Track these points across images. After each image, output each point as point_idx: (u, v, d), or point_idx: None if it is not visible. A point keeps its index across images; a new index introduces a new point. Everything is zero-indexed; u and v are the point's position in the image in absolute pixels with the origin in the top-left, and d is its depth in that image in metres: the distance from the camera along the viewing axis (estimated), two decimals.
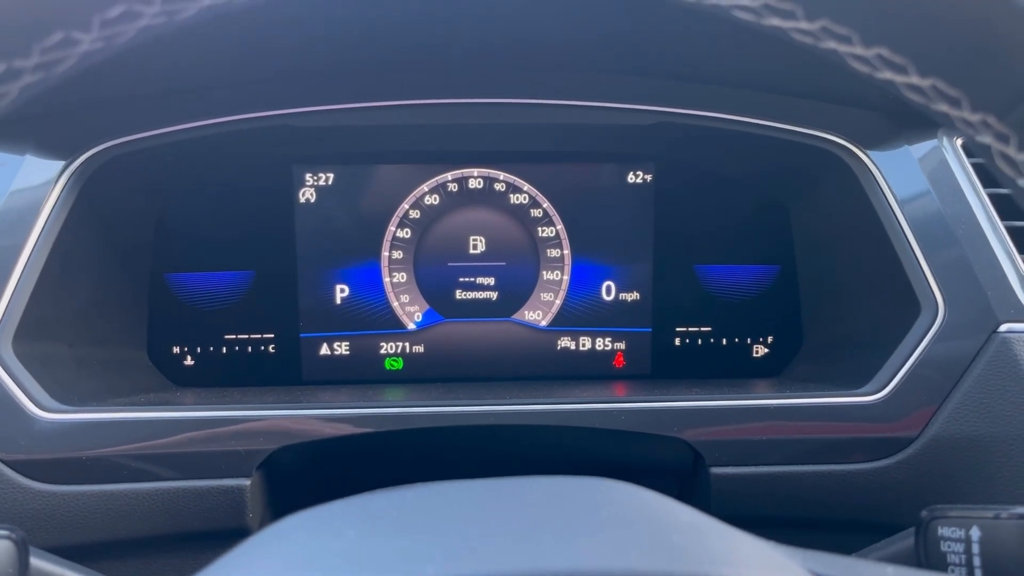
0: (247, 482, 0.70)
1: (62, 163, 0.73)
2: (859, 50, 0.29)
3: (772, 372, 0.89)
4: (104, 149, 0.74)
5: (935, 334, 0.70)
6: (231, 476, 0.70)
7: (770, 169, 0.85)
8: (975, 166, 0.76)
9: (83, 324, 0.77)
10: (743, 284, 0.90)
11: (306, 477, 0.76)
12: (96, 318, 0.79)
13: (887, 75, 0.30)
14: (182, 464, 0.69)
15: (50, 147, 0.73)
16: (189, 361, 0.88)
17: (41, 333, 0.71)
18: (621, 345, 0.90)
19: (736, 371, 0.90)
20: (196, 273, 0.87)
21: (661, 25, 0.69)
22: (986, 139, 0.30)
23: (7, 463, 0.66)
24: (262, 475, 0.71)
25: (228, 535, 0.70)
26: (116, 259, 0.81)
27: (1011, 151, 0.30)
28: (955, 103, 0.30)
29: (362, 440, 0.71)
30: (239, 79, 0.78)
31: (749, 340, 0.90)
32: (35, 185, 0.72)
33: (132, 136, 0.75)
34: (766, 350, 0.90)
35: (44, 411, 0.67)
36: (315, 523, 0.38)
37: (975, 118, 0.30)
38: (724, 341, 0.90)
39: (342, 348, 0.89)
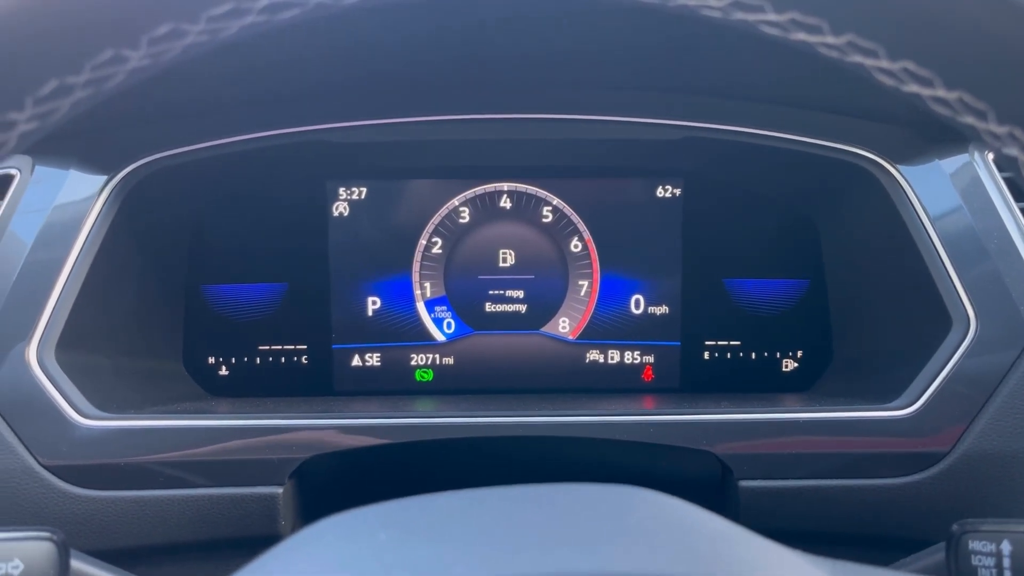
0: (279, 490, 0.71)
1: (104, 177, 0.75)
2: (885, 64, 0.30)
3: (802, 387, 0.89)
4: (145, 164, 0.76)
5: (967, 349, 0.70)
6: (264, 484, 0.71)
7: (799, 183, 0.85)
8: (1007, 180, 0.75)
9: (122, 334, 0.79)
10: (772, 298, 0.90)
11: (338, 486, 0.77)
12: (134, 329, 0.81)
13: (913, 88, 0.31)
14: (216, 472, 0.71)
15: (93, 162, 0.76)
16: (224, 371, 0.90)
17: (82, 343, 0.73)
18: (650, 359, 0.90)
19: (765, 386, 0.90)
20: (231, 285, 0.89)
21: (690, 41, 0.70)
22: (1013, 151, 0.30)
23: (48, 468, 0.67)
24: (294, 483, 0.72)
25: (260, 542, 0.71)
26: (154, 271, 0.83)
27: None
28: (981, 116, 0.30)
29: (393, 450, 0.72)
30: (275, 95, 0.80)
31: (779, 355, 0.90)
32: (78, 199, 0.74)
33: (172, 151, 0.77)
34: (796, 365, 0.90)
35: (85, 418, 0.68)
36: (347, 527, 0.38)
37: (1002, 130, 0.30)
38: (753, 355, 0.90)
39: (373, 360, 0.90)
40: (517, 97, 0.82)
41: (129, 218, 0.77)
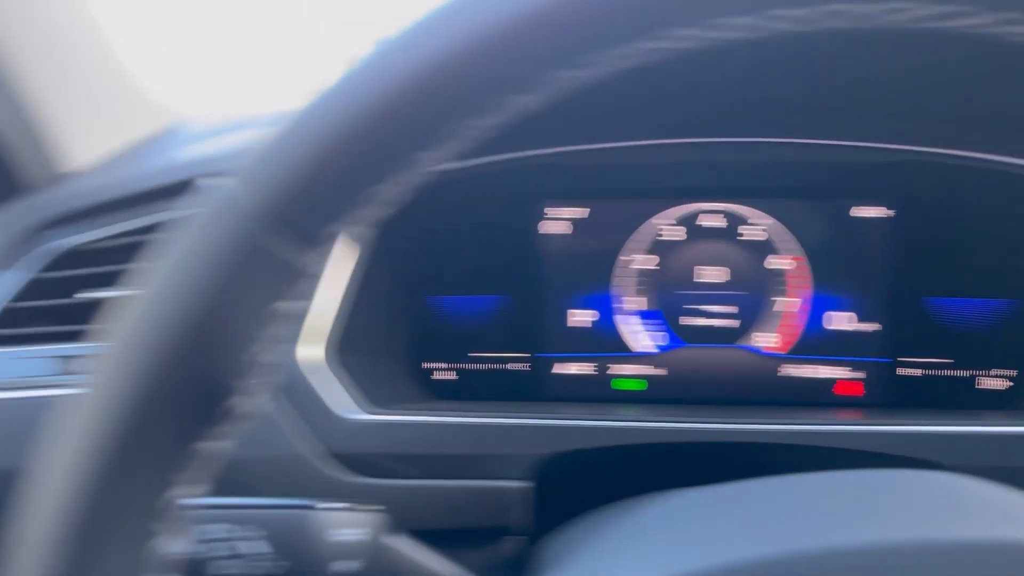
0: (518, 484, 0.77)
1: None
2: None
3: (1013, 406, 0.89)
4: None
5: None
6: (505, 478, 0.77)
7: (1009, 204, 0.86)
8: None
9: (377, 342, 0.87)
10: (981, 317, 0.91)
11: (575, 484, 0.82)
12: (381, 336, 0.89)
13: None
14: (457, 464, 0.77)
15: None
16: (446, 376, 0.96)
17: (353, 349, 0.81)
18: (859, 374, 0.92)
19: (972, 404, 0.90)
20: (453, 296, 0.96)
21: (933, 65, 0.73)
22: None
23: (333, 455, 0.75)
24: (535, 479, 0.78)
25: (500, 532, 0.78)
26: (393, 284, 0.91)
27: None
28: None
29: (628, 452, 0.77)
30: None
31: (988, 374, 0.91)
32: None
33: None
34: (1009, 383, 0.91)
35: (360, 412, 0.76)
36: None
37: None
38: (964, 374, 0.91)
39: (584, 368, 0.95)
40: (727, 121, 0.87)
41: (378, 239, 0.85)
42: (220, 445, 0.33)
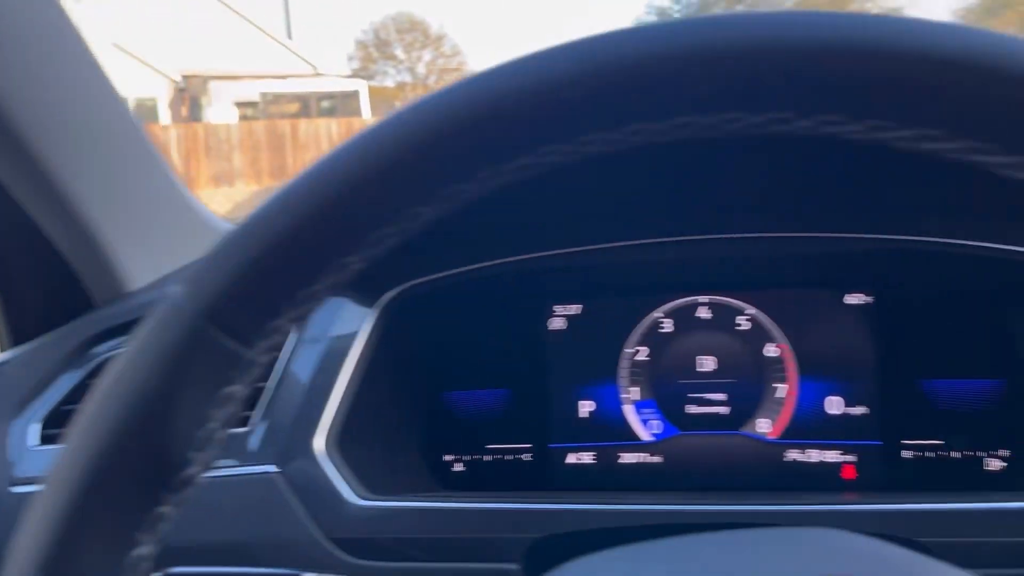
0: (512, 567, 0.81)
1: (372, 303, 0.92)
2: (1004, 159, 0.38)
3: (1009, 487, 0.90)
4: (402, 290, 0.93)
5: None
6: (499, 560, 0.82)
7: (988, 285, 0.90)
8: None
9: (383, 433, 0.94)
10: (971, 398, 0.93)
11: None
12: (389, 428, 0.96)
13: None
14: (459, 548, 0.83)
15: (362, 290, 0.93)
16: (457, 468, 1.02)
17: (354, 439, 0.88)
18: (851, 457, 0.94)
19: (969, 485, 0.91)
20: (464, 392, 1.03)
21: (865, 169, 0.79)
22: None
23: (330, 539, 0.82)
24: (526, 563, 0.82)
25: None
26: (405, 380, 0.99)
27: None
28: None
29: (614, 535, 0.81)
30: (508, 227, 0.96)
31: (982, 454, 0.92)
32: (352, 320, 0.91)
33: (425, 278, 0.93)
34: (1003, 464, 0.92)
35: (359, 498, 0.83)
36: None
37: None
38: (956, 455, 0.93)
39: (587, 458, 1.00)
40: (712, 220, 0.93)
41: (387, 336, 0.93)
42: (177, 509, 0.40)
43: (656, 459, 0.98)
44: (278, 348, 0.45)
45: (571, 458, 1.01)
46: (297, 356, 0.90)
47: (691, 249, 0.95)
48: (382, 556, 0.84)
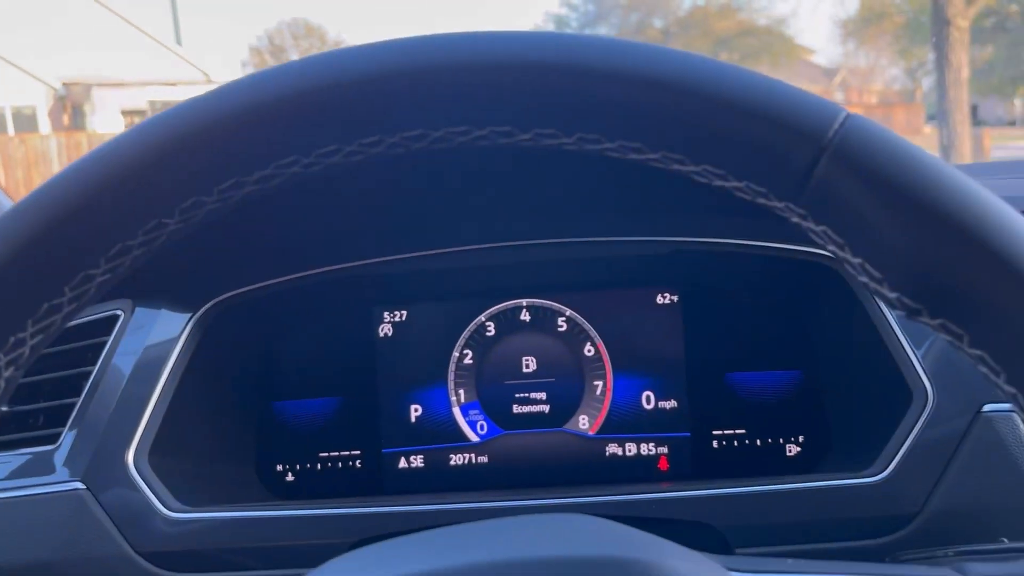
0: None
1: (188, 315, 0.92)
2: (692, 167, 0.42)
3: (806, 470, 0.97)
4: (220, 300, 0.93)
5: (927, 419, 0.78)
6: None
7: (781, 283, 0.97)
8: None
9: (203, 444, 0.94)
10: (771, 389, 0.99)
11: None
12: (213, 439, 0.96)
13: (721, 184, 0.42)
14: (279, 556, 0.83)
15: (179, 301, 0.93)
16: (289, 477, 1.03)
17: (170, 450, 0.88)
18: (663, 449, 0.99)
19: (772, 470, 0.98)
20: (294, 401, 1.04)
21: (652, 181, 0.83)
22: (794, 219, 0.41)
23: (140, 554, 0.81)
24: None
25: None
26: (230, 390, 0.99)
27: (812, 225, 0.41)
28: (766, 196, 0.41)
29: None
30: (328, 235, 0.97)
31: (782, 440, 0.99)
32: (166, 335, 0.91)
33: (244, 288, 0.93)
34: (798, 449, 0.98)
35: (170, 511, 0.82)
36: None
37: (780, 205, 0.41)
38: (759, 443, 0.99)
39: (417, 461, 1.02)
40: (527, 226, 0.97)
41: (208, 347, 0.93)
42: None
43: (483, 459, 1.01)
44: (20, 366, 0.45)
45: (403, 462, 1.03)
46: (110, 369, 0.89)
47: (511, 254, 0.98)
48: (203, 567, 0.84)
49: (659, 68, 0.40)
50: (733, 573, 0.46)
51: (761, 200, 0.41)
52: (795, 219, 0.41)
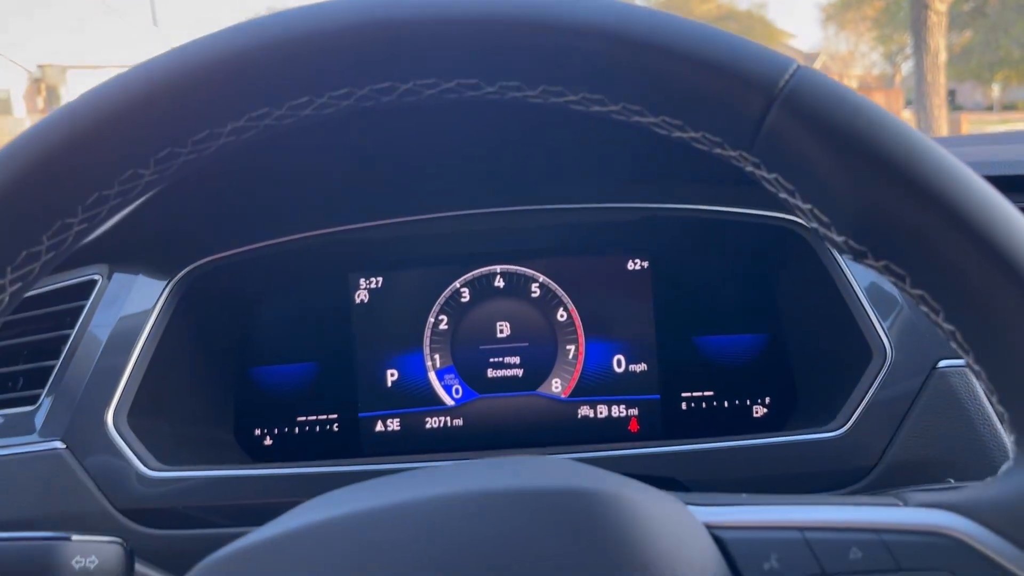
0: None
1: (165, 280, 0.93)
2: (651, 119, 0.44)
3: (773, 429, 1.00)
4: (198, 266, 0.94)
5: (884, 376, 0.81)
6: None
7: (749, 248, 0.99)
8: None
9: (182, 407, 0.95)
10: (738, 351, 1.02)
11: None
12: (192, 402, 0.97)
13: (679, 135, 0.44)
14: (255, 513, 0.85)
15: (157, 266, 0.94)
16: (268, 441, 1.05)
17: (149, 412, 0.89)
18: (634, 411, 1.02)
19: (740, 431, 1.00)
20: (272, 366, 1.05)
21: (616, 140, 0.86)
22: (748, 167, 0.43)
23: (120, 510, 0.83)
24: None
25: None
26: (208, 355, 1.00)
27: (764, 173, 0.43)
28: (721, 145, 0.43)
29: None
30: (304, 202, 0.98)
31: (749, 402, 1.02)
32: (144, 299, 0.92)
33: (221, 254, 0.95)
34: (765, 410, 1.01)
35: (150, 469, 0.84)
36: None
37: (735, 154, 0.43)
38: (726, 404, 1.02)
39: (394, 424, 1.04)
40: (499, 193, 0.99)
41: (186, 312, 0.95)
42: None
43: (458, 422, 1.04)
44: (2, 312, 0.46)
45: (379, 426, 1.05)
46: (88, 333, 0.90)
47: (485, 221, 1.00)
48: (182, 524, 0.85)
49: (616, 21, 0.42)
50: (688, 506, 0.48)
51: (717, 150, 0.43)
52: (749, 167, 0.43)
